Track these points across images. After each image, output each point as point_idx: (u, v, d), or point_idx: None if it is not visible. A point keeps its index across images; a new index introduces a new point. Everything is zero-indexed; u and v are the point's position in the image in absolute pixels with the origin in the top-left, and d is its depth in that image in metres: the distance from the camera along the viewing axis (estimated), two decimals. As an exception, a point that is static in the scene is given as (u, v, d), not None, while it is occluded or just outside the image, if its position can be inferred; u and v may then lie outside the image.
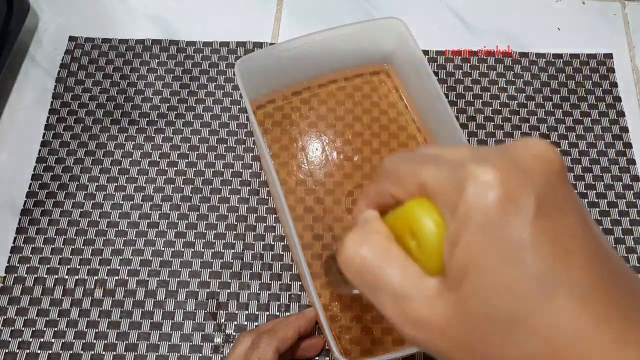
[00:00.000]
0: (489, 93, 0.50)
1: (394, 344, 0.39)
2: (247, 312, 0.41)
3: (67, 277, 0.42)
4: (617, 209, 0.45)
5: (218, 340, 0.40)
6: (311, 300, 0.36)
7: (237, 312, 0.41)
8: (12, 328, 0.40)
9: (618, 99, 0.50)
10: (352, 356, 0.39)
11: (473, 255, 0.17)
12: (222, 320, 0.41)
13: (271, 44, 0.52)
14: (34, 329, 0.40)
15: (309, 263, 0.42)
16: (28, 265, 0.42)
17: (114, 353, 0.39)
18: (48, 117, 0.48)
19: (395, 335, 0.40)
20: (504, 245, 0.17)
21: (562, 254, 0.17)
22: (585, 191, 0.46)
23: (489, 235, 0.17)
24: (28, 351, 0.39)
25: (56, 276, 0.42)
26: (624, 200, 0.45)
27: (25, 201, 0.44)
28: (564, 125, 0.49)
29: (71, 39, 0.52)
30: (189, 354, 0.40)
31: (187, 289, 0.42)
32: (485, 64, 0.51)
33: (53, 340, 0.40)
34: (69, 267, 0.42)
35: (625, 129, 0.49)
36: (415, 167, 0.20)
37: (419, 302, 0.19)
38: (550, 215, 0.17)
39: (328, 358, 0.40)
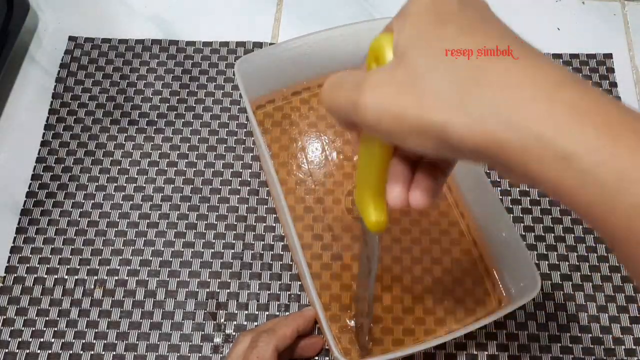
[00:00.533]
0: (488, 93, 0.50)
1: (393, 344, 0.39)
2: (246, 312, 0.41)
3: (67, 277, 0.42)
4: (616, 209, 0.45)
5: (218, 340, 0.40)
6: (311, 300, 0.36)
7: (236, 312, 0.41)
8: (12, 328, 0.40)
9: (618, 98, 0.50)
10: (351, 356, 0.39)
11: (413, 32, 0.22)
12: (222, 320, 0.41)
13: (271, 44, 0.52)
14: (33, 329, 0.40)
15: (308, 263, 0.42)
16: (28, 265, 0.42)
17: (114, 353, 0.39)
18: (48, 117, 0.48)
19: (395, 336, 0.40)
20: (435, 16, 0.23)
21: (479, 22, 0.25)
22: (585, 191, 0.46)
23: (426, 14, 0.23)
24: (28, 351, 0.39)
25: (56, 276, 0.42)
26: (624, 200, 0.45)
27: (25, 201, 0.44)
28: (563, 125, 0.49)
29: (71, 39, 0.52)
30: (189, 354, 0.40)
31: (187, 289, 0.42)
32: (485, 64, 0.51)
33: (53, 340, 0.40)
34: (68, 267, 0.42)
35: (625, 129, 0.49)
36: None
37: (371, 77, 0.22)
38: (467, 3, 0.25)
39: (328, 358, 0.40)
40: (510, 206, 0.45)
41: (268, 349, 0.34)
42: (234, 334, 0.40)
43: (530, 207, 0.45)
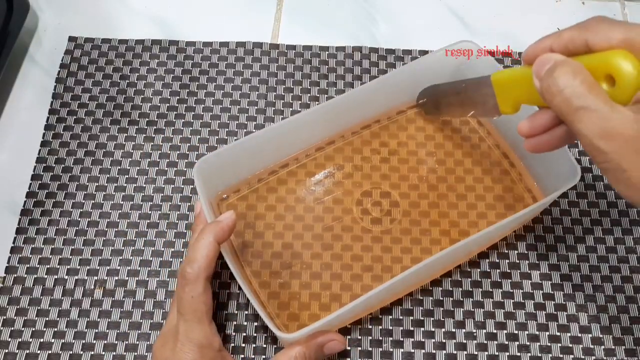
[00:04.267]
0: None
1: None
2: (246, 312, 0.41)
3: (67, 277, 0.42)
4: (616, 209, 0.45)
5: (218, 340, 0.40)
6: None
7: (236, 312, 0.41)
8: (12, 328, 0.40)
9: (618, 99, 0.50)
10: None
11: None
12: (222, 320, 0.41)
13: (271, 44, 0.52)
14: (33, 329, 0.40)
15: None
16: (28, 265, 0.42)
17: (114, 353, 0.39)
18: (48, 117, 0.48)
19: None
20: None
21: None
22: (586, 191, 0.46)
23: None
24: (28, 351, 0.39)
25: (56, 276, 0.42)
26: (624, 201, 0.45)
27: (25, 201, 0.44)
28: (563, 126, 0.49)
29: (71, 39, 0.52)
30: (189, 354, 0.40)
31: (187, 289, 0.42)
32: (485, 64, 0.51)
33: (53, 340, 0.40)
34: (68, 267, 0.42)
35: (625, 129, 0.49)
36: (627, 26, 0.27)
37: (616, 119, 0.26)
38: None
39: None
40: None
41: (199, 282, 0.34)
42: (233, 334, 0.40)
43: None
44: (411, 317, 0.41)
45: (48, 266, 0.42)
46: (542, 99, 0.30)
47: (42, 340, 0.40)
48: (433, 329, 0.41)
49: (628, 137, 0.25)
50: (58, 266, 0.42)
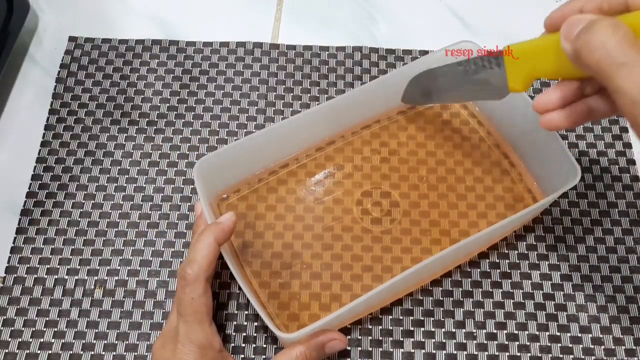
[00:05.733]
0: (489, 93, 0.50)
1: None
2: (246, 312, 0.41)
3: (67, 277, 0.42)
4: (617, 209, 0.45)
5: (218, 340, 0.40)
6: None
7: (236, 312, 0.41)
8: (12, 328, 0.40)
9: (618, 99, 0.50)
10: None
11: None
12: (223, 320, 0.41)
13: (271, 44, 0.52)
14: (33, 329, 0.40)
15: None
16: (28, 265, 0.42)
17: (114, 353, 0.39)
18: (48, 117, 0.48)
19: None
20: None
21: None
22: (586, 191, 0.46)
23: None
24: (28, 351, 0.39)
25: (56, 276, 0.42)
26: (624, 201, 0.45)
27: (25, 201, 0.44)
28: (564, 126, 0.49)
29: (71, 39, 0.52)
30: (189, 354, 0.40)
31: (187, 289, 0.42)
32: (485, 64, 0.51)
33: (53, 340, 0.40)
34: (68, 267, 0.42)
35: (625, 129, 0.49)
36: None
37: None
38: None
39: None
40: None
41: (198, 283, 0.34)
42: (233, 334, 0.40)
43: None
44: (411, 317, 0.41)
45: (48, 266, 0.42)
46: (568, 69, 0.28)
47: (42, 340, 0.40)
48: (433, 329, 0.41)
49: None
50: (58, 266, 0.42)
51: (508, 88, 0.35)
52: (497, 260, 0.43)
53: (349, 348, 0.40)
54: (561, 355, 0.40)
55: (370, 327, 0.41)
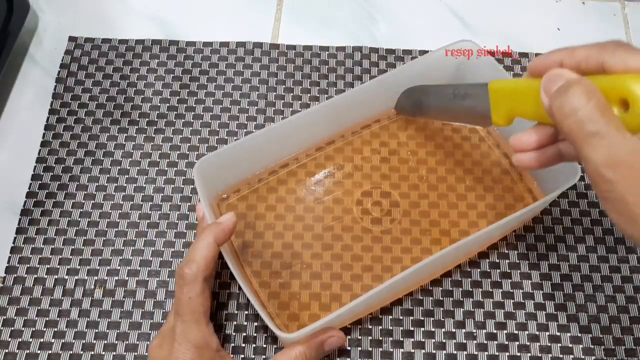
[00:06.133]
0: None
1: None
2: (246, 312, 0.41)
3: (67, 277, 0.42)
4: (617, 209, 0.45)
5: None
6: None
7: (237, 312, 0.41)
8: (12, 328, 0.40)
9: (618, 99, 0.50)
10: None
11: None
12: (223, 320, 0.41)
13: (271, 44, 0.52)
14: (33, 329, 0.40)
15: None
16: (28, 265, 0.42)
17: (114, 353, 0.39)
18: (48, 117, 0.48)
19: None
20: None
21: None
22: (586, 191, 0.46)
23: None
24: (28, 351, 0.39)
25: (56, 276, 0.42)
26: (624, 201, 0.45)
27: (25, 201, 0.44)
28: (564, 126, 0.49)
29: (71, 39, 0.52)
30: (189, 354, 0.40)
31: (187, 289, 0.41)
32: (485, 64, 0.51)
33: (53, 340, 0.40)
34: (68, 267, 0.42)
35: (625, 129, 0.49)
36: None
37: (627, 149, 0.25)
38: None
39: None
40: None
41: (196, 282, 0.34)
42: (233, 334, 0.40)
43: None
44: (411, 317, 0.41)
45: (48, 266, 0.42)
46: (545, 116, 0.29)
47: (42, 340, 0.40)
48: (433, 329, 0.41)
49: (636, 168, 0.25)
50: (58, 266, 0.42)
51: (491, 120, 0.35)
52: (497, 260, 0.43)
53: (348, 348, 0.40)
54: (561, 355, 0.40)
55: (370, 327, 0.41)
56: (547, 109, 0.28)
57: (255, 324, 0.41)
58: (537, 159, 0.32)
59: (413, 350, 0.40)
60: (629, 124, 0.26)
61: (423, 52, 0.52)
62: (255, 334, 0.40)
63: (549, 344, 0.40)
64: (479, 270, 0.43)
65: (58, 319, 0.40)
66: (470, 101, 0.37)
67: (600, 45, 0.28)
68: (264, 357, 0.40)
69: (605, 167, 0.25)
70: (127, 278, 0.42)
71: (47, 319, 0.40)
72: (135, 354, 0.39)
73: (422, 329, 0.41)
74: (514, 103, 0.33)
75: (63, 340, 0.40)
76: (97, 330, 0.40)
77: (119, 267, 0.42)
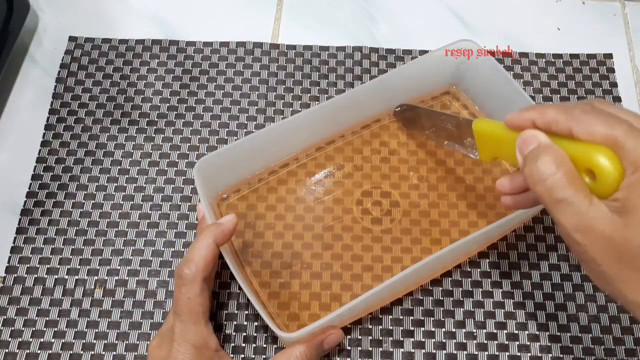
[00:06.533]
0: (489, 93, 0.50)
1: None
2: (246, 312, 0.41)
3: (67, 277, 0.42)
4: (617, 209, 0.45)
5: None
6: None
7: (237, 312, 0.41)
8: (12, 328, 0.40)
9: (618, 99, 0.50)
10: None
11: None
12: (223, 320, 0.41)
13: (271, 44, 0.52)
14: (34, 329, 0.40)
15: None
16: (28, 265, 0.42)
17: (114, 353, 0.39)
18: (48, 117, 0.48)
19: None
20: None
21: None
22: (585, 191, 0.46)
23: None
24: (28, 351, 0.39)
25: (56, 276, 0.42)
26: (624, 200, 0.45)
27: (25, 201, 0.44)
28: (564, 125, 0.49)
29: (71, 39, 0.52)
30: (189, 354, 0.40)
31: (187, 289, 0.41)
32: (485, 64, 0.51)
33: (53, 340, 0.40)
34: (69, 267, 0.42)
35: (625, 129, 0.49)
36: (611, 121, 0.26)
37: (594, 215, 0.26)
38: None
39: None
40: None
41: (195, 282, 0.34)
42: (233, 334, 0.40)
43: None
44: (411, 317, 0.41)
45: (48, 266, 0.42)
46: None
47: (42, 340, 0.40)
48: (433, 329, 0.41)
49: (602, 234, 0.26)
50: (58, 266, 0.42)
51: (478, 154, 0.36)
52: (498, 260, 0.43)
53: (349, 348, 0.40)
54: (561, 355, 0.40)
55: (370, 327, 0.41)
56: (521, 168, 0.29)
57: (256, 323, 0.41)
58: (514, 202, 0.33)
59: (413, 350, 0.40)
60: (596, 192, 0.26)
61: (423, 52, 0.52)
62: (255, 334, 0.40)
63: (549, 344, 0.40)
64: (479, 270, 0.43)
65: (58, 318, 0.40)
66: (459, 132, 0.39)
67: (568, 110, 0.28)
68: (264, 357, 0.40)
69: (574, 231, 0.26)
70: (127, 278, 0.42)
71: (47, 318, 0.40)
72: (135, 353, 0.39)
73: (422, 328, 0.41)
74: (495, 147, 0.34)
75: (63, 340, 0.40)
76: (97, 330, 0.40)
77: (119, 267, 0.42)
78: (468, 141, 0.39)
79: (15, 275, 0.42)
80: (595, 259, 0.26)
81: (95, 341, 0.40)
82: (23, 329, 0.40)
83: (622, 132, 0.26)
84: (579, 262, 0.27)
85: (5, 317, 0.40)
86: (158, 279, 0.42)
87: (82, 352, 0.39)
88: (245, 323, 0.41)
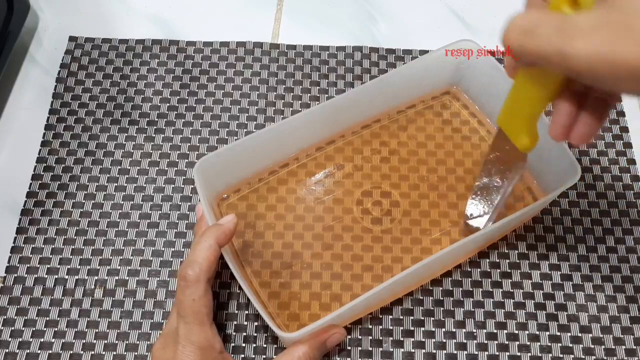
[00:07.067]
0: (489, 93, 0.50)
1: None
2: (246, 312, 0.41)
3: (67, 277, 0.42)
4: (617, 209, 0.45)
5: (218, 340, 0.40)
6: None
7: (237, 312, 0.41)
8: (12, 328, 0.40)
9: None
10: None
11: None
12: (223, 320, 0.41)
13: (271, 44, 0.52)
14: (34, 329, 0.40)
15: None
16: (28, 265, 0.42)
17: (114, 353, 0.39)
18: (48, 117, 0.48)
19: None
20: None
21: None
22: (586, 191, 0.46)
23: None
24: (28, 351, 0.39)
25: (56, 276, 0.42)
26: (624, 201, 0.45)
27: (25, 201, 0.44)
28: (564, 125, 0.49)
29: (71, 39, 0.52)
30: (189, 354, 0.40)
31: (187, 289, 0.41)
32: (485, 64, 0.51)
33: (53, 340, 0.40)
34: (69, 267, 0.42)
35: (625, 129, 0.49)
36: None
37: (580, 21, 0.23)
38: None
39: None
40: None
41: (199, 284, 0.34)
42: (234, 334, 0.40)
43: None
44: (411, 317, 0.41)
45: (48, 266, 0.42)
46: (543, 96, 0.28)
47: (42, 340, 0.40)
48: (433, 329, 0.41)
49: (587, 29, 0.23)
50: (58, 266, 0.42)
51: (520, 151, 0.35)
52: (498, 260, 0.43)
53: (349, 348, 0.40)
54: (561, 355, 0.40)
55: (370, 326, 0.41)
56: (516, 71, 0.28)
57: (256, 323, 0.41)
58: (585, 127, 0.29)
59: (413, 350, 0.40)
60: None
61: (423, 52, 0.52)
62: (255, 334, 0.40)
63: (550, 344, 0.40)
64: (479, 270, 0.43)
65: (58, 318, 0.40)
66: (502, 151, 0.37)
67: None
68: (264, 357, 0.40)
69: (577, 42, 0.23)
70: (127, 278, 0.42)
71: (47, 318, 0.40)
72: (136, 353, 0.39)
73: (423, 328, 0.41)
74: (521, 112, 0.32)
75: (63, 340, 0.40)
76: (97, 330, 0.40)
77: (119, 267, 0.42)
78: (510, 149, 0.36)
79: (16, 275, 0.42)
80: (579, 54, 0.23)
81: (95, 341, 0.40)
82: (23, 329, 0.40)
83: None
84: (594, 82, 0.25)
85: (5, 317, 0.40)
86: (158, 279, 0.42)
87: (82, 352, 0.39)
88: (246, 323, 0.41)
